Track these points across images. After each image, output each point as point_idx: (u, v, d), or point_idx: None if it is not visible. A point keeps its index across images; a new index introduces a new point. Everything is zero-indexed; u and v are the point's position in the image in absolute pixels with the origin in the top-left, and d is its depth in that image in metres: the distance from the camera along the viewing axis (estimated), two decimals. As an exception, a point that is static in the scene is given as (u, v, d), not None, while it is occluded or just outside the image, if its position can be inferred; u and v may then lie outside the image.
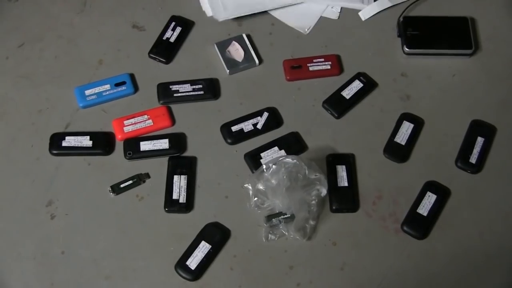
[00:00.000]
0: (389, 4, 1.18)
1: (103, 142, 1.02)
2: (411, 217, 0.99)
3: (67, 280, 0.94)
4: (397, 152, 1.04)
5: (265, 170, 0.97)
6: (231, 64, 1.12)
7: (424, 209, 0.99)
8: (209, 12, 1.15)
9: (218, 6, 1.16)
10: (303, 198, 0.96)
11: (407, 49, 1.13)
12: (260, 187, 0.97)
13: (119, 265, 0.93)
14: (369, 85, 1.11)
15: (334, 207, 0.99)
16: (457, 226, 0.99)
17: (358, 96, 1.10)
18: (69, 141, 1.02)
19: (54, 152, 1.02)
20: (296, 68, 1.11)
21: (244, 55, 1.13)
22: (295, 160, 0.95)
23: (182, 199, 0.99)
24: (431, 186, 1.01)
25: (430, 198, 1.00)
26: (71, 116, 1.07)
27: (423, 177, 1.02)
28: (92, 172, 1.00)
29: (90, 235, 0.96)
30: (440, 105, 1.09)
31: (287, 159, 0.95)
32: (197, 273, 0.93)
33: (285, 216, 0.96)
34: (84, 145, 1.02)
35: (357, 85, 1.11)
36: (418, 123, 1.07)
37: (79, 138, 1.02)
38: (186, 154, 1.03)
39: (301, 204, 0.96)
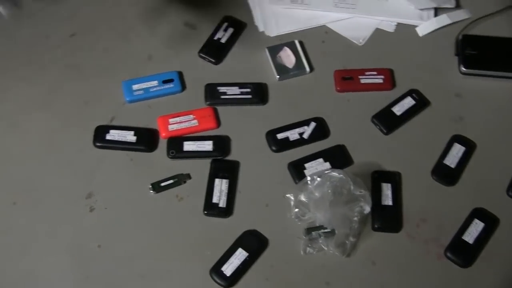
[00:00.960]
0: (449, 21, 1.16)
1: (147, 139, 1.01)
2: (456, 243, 0.97)
3: (102, 275, 0.94)
4: (446, 175, 1.02)
5: (309, 182, 0.96)
6: (281, 70, 1.11)
7: (470, 236, 0.96)
8: (261, 27, 1.16)
9: (270, 23, 1.16)
10: (345, 214, 0.94)
11: (464, 68, 1.11)
12: (303, 198, 0.97)
13: (154, 264, 0.92)
14: (421, 103, 1.09)
15: (376, 226, 0.97)
16: (503, 258, 0.96)
17: (409, 113, 1.08)
18: (113, 135, 1.01)
19: (98, 144, 1.01)
20: (347, 80, 1.10)
21: (295, 61, 1.11)
22: (341, 175, 0.93)
23: (222, 204, 0.97)
24: (479, 213, 0.98)
25: (477, 226, 0.97)
26: (116, 109, 1.06)
27: (471, 203, 1.00)
28: (133, 167, 1.00)
29: (128, 231, 0.95)
30: (494, 129, 1.07)
31: (333, 173, 0.94)
32: (231, 280, 0.91)
33: (326, 230, 0.94)
34: (128, 140, 1.01)
35: (408, 102, 1.09)
36: (469, 147, 1.04)
37: (124, 132, 1.02)
38: (229, 158, 1.02)
39: (343, 220, 0.94)
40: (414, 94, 1.10)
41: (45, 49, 1.14)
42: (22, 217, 0.97)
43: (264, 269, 0.95)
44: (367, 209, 0.95)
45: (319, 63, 1.13)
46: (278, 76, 1.11)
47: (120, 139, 1.01)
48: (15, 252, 0.94)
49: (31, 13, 1.19)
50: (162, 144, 1.02)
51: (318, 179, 0.95)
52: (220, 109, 1.07)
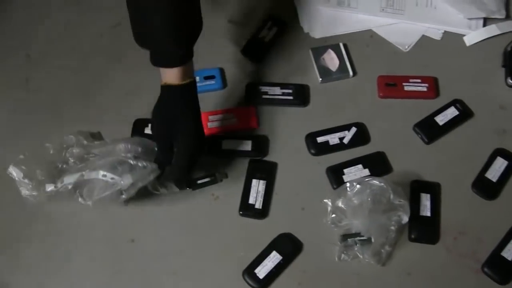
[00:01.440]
0: (498, 32, 1.14)
1: None
2: (494, 259, 0.95)
3: (133, 270, 0.95)
4: (487, 189, 1.00)
5: (348, 188, 0.95)
6: (324, 72, 1.10)
7: (509, 253, 0.95)
8: (305, 28, 1.15)
9: (315, 24, 1.15)
10: (383, 223, 0.93)
11: (510, 81, 1.09)
12: (340, 204, 0.95)
13: (187, 263, 0.92)
14: (465, 114, 1.07)
15: (413, 236, 0.95)
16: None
17: (452, 123, 1.07)
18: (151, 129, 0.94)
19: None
20: (391, 86, 1.09)
21: (339, 65, 1.11)
22: (382, 183, 0.93)
23: (258, 205, 0.97)
24: (520, 229, 0.93)
25: (517, 242, 0.92)
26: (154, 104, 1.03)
27: (512, 218, 0.94)
28: None
29: (162, 227, 0.95)
30: (539, 144, 1.01)
31: (374, 180, 0.93)
32: (264, 283, 0.91)
33: (362, 238, 0.93)
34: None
35: (452, 112, 1.07)
36: (513, 161, 0.99)
37: (162, 127, 0.99)
38: (267, 158, 1.01)
39: (380, 229, 0.93)
40: (457, 104, 1.08)
41: (88, 38, 1.16)
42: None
43: (297, 274, 0.94)
44: (405, 219, 0.94)
45: (362, 67, 1.12)
46: (320, 79, 1.10)
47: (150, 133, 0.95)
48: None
49: (76, 1, 1.20)
50: None
51: (358, 186, 0.94)
52: (261, 109, 1.06)
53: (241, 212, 0.96)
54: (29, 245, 0.96)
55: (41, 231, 0.97)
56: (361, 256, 0.94)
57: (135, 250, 0.96)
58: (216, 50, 1.11)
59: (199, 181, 0.98)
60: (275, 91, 1.06)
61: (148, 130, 1.02)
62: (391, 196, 0.93)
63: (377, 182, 0.93)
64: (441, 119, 1.07)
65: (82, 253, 0.96)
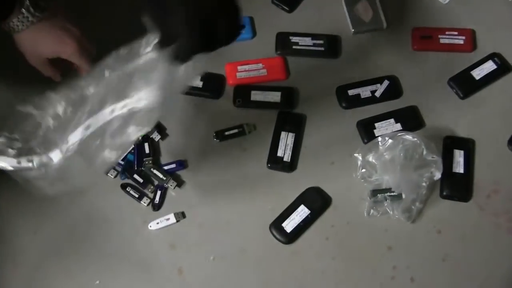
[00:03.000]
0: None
1: (213, 85, 1.00)
2: (528, 218, 0.89)
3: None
4: (524, 146, 0.94)
5: (380, 142, 0.93)
6: (357, 23, 1.07)
7: (544, 212, 0.89)
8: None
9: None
10: (415, 179, 0.92)
11: (551, 35, 1.01)
12: (371, 159, 0.95)
13: (213, 214, 0.92)
14: (503, 69, 1.04)
15: (444, 193, 0.94)
16: None
17: (489, 78, 1.03)
18: (179, 78, 0.94)
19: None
20: (426, 38, 1.06)
21: (372, 15, 1.08)
22: (415, 139, 0.91)
23: (287, 158, 0.96)
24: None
25: (554, 201, 0.90)
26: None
27: (549, 177, 0.92)
28: (198, 113, 0.99)
29: (187, 176, 0.95)
30: None
31: (407, 136, 0.92)
32: (291, 237, 0.91)
33: (393, 193, 0.91)
34: (195, 85, 0.99)
35: (489, 66, 1.04)
36: (552, 118, 0.96)
37: (190, 77, 0.95)
38: (296, 111, 1.00)
39: (411, 185, 0.92)
40: (496, 58, 1.05)
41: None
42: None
43: (325, 228, 0.94)
44: (438, 175, 0.92)
45: (397, 18, 1.08)
46: (353, 30, 1.07)
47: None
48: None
49: None
50: (229, 91, 1.00)
51: (390, 140, 0.93)
52: (290, 59, 1.04)
53: (269, 165, 0.95)
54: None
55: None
56: (391, 212, 0.93)
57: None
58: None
59: (227, 133, 0.97)
60: (306, 42, 1.03)
61: None
62: (424, 152, 0.92)
63: (410, 137, 0.92)
64: (477, 73, 1.04)
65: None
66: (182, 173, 0.95)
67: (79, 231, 0.91)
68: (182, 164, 0.95)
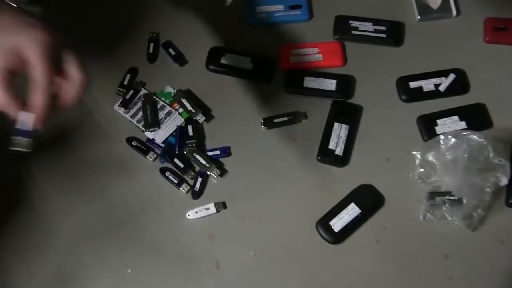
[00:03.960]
0: None
1: (264, 68, 0.96)
2: None
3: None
4: None
5: (442, 141, 0.88)
6: (424, 9, 1.01)
7: None
8: None
9: None
10: (478, 183, 0.86)
11: None
12: (431, 158, 0.89)
13: (256, 206, 0.89)
14: None
15: (511, 201, 0.87)
16: None
17: None
18: (228, 59, 0.96)
19: (211, 67, 0.97)
20: (500, 30, 0.99)
21: (441, 2, 1.01)
22: (482, 139, 0.85)
23: (339, 151, 0.92)
24: None
25: None
26: (235, 31, 0.99)
27: None
28: (245, 97, 0.96)
29: (230, 164, 0.93)
30: None
31: (472, 135, 0.86)
32: (339, 237, 0.86)
33: (452, 197, 0.85)
34: (244, 68, 0.96)
35: None
36: None
37: (240, 58, 0.96)
38: (352, 101, 0.95)
39: (474, 189, 0.86)
40: None
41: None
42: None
43: (376, 230, 0.89)
44: (504, 181, 0.86)
45: (468, 7, 1.02)
46: (419, 17, 1.01)
47: (235, 65, 0.95)
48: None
49: None
50: (280, 76, 0.96)
51: (453, 139, 0.87)
52: (348, 45, 0.99)
53: (319, 158, 0.91)
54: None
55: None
56: (449, 218, 0.87)
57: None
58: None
59: (275, 120, 0.93)
60: (367, 27, 0.98)
61: (224, 60, 0.98)
62: (491, 154, 0.86)
63: (476, 137, 0.86)
64: (555, 72, 0.93)
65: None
66: (225, 160, 0.92)
67: (113, 215, 0.89)
68: (226, 151, 0.92)
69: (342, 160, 0.91)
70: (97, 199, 0.90)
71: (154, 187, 0.90)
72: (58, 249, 0.88)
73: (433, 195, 0.88)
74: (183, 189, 0.90)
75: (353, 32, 0.99)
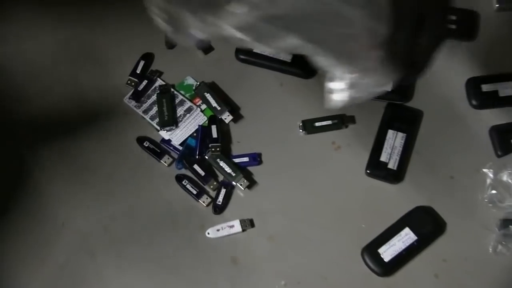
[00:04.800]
0: None
1: (305, 61, 0.87)
2: None
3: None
4: None
5: (520, 157, 0.81)
6: (505, -3, 0.93)
7: None
8: None
9: None
10: None
11: None
12: (505, 178, 0.86)
13: (289, 226, 0.87)
14: None
15: None
16: None
17: None
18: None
19: (241, 57, 0.96)
20: None
21: (524, -13, 0.93)
22: None
23: (393, 164, 0.89)
24: None
25: None
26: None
27: None
28: (282, 95, 0.94)
29: (264, 172, 0.92)
30: None
31: (561, 152, 0.79)
32: (389, 268, 0.84)
33: (531, 227, 0.80)
34: (281, 59, 0.94)
35: None
36: None
37: (278, 47, 0.89)
38: (411, 104, 0.93)
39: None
40: None
41: None
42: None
43: (435, 262, 0.86)
44: None
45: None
46: (497, 5, 0.97)
47: (271, 55, 0.94)
48: None
49: None
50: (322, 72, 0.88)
51: (534, 156, 0.80)
52: (410, 37, 0.92)
53: (368, 171, 0.89)
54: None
55: None
56: (526, 252, 0.81)
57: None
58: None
59: (317, 123, 0.91)
60: (433, 16, 0.89)
61: (258, 49, 0.95)
62: None
63: None
64: None
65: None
66: (254, 170, 0.90)
67: (117, 229, 0.89)
68: (256, 158, 0.90)
69: (396, 176, 0.89)
70: (99, 210, 0.89)
71: (168, 197, 0.89)
72: (51, 266, 0.89)
73: (506, 223, 0.86)
74: (203, 202, 0.88)
75: (416, 21, 0.94)
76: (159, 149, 0.91)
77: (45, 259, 0.89)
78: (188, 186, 0.90)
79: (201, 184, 0.89)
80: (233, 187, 0.89)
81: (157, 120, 0.93)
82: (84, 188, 0.89)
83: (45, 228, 0.89)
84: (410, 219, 0.87)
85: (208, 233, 0.88)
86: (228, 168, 0.90)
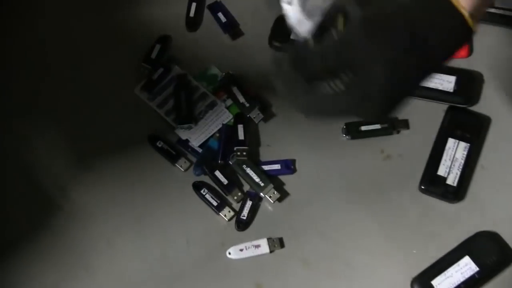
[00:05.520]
0: None
1: None
2: None
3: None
4: None
5: None
6: None
7: None
8: None
9: None
10: None
11: None
12: None
13: (326, 249, 0.86)
14: None
15: None
16: None
17: None
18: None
19: (276, 44, 0.97)
20: None
21: None
22: None
23: (452, 180, 0.87)
24: None
25: None
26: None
27: None
28: None
29: (299, 181, 0.91)
30: None
31: None
32: None
33: None
34: None
35: None
36: None
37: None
38: (475, 108, 0.91)
39: None
40: None
41: None
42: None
43: None
44: None
45: None
46: None
47: None
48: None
49: None
50: None
51: None
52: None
53: (422, 187, 0.87)
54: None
55: None
56: None
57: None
58: None
59: (363, 127, 0.90)
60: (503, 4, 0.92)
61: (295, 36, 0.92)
62: None
63: None
64: None
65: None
66: (287, 179, 0.89)
67: (120, 243, 0.90)
68: (290, 165, 0.89)
69: (456, 193, 0.87)
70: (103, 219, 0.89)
71: (183, 208, 0.88)
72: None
73: None
74: (225, 216, 0.87)
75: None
76: (175, 150, 0.90)
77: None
78: (208, 196, 0.88)
79: (223, 194, 0.88)
80: (260, 199, 0.88)
81: (173, 116, 0.91)
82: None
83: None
84: (471, 246, 0.85)
85: (230, 253, 0.86)
86: (256, 177, 0.88)
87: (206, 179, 0.90)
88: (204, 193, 0.89)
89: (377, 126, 0.92)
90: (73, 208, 0.90)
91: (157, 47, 0.95)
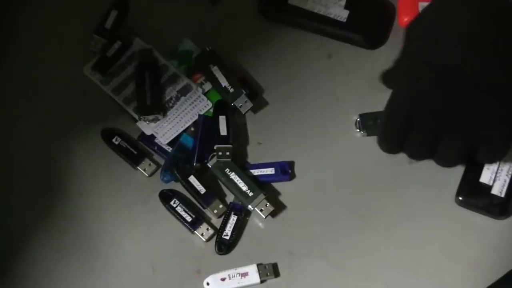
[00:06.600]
0: None
1: (369, 20, 0.96)
2: None
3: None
4: None
5: None
6: None
7: None
8: None
9: None
10: None
11: None
12: None
13: (334, 277, 0.85)
14: None
15: None
16: None
17: None
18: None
19: (269, 12, 0.96)
20: None
21: None
22: None
23: (498, 190, 0.85)
24: None
25: None
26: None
27: None
28: (330, 73, 0.93)
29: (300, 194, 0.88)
30: None
31: None
32: None
33: None
34: (332, 16, 0.94)
35: None
36: None
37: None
38: None
39: None
40: None
41: None
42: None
43: None
44: None
45: None
46: None
47: (316, 10, 0.94)
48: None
49: None
50: (397, 38, 0.90)
51: None
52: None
53: (460, 198, 0.85)
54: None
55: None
56: None
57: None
58: None
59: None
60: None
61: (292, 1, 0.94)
62: None
63: None
64: None
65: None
66: (282, 187, 0.88)
67: (62, 271, 0.87)
68: (286, 169, 0.87)
69: (503, 207, 0.85)
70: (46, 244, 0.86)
71: (148, 225, 0.87)
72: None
73: None
74: (202, 235, 0.85)
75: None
76: (136, 149, 0.88)
77: None
78: (179, 209, 0.86)
79: (199, 207, 0.86)
80: (248, 213, 0.86)
81: (134, 104, 0.88)
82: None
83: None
84: (524, 273, 0.81)
85: (208, 284, 0.83)
86: (243, 184, 0.85)
87: (178, 186, 0.87)
88: (174, 205, 0.86)
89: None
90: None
91: (114, 13, 0.92)
